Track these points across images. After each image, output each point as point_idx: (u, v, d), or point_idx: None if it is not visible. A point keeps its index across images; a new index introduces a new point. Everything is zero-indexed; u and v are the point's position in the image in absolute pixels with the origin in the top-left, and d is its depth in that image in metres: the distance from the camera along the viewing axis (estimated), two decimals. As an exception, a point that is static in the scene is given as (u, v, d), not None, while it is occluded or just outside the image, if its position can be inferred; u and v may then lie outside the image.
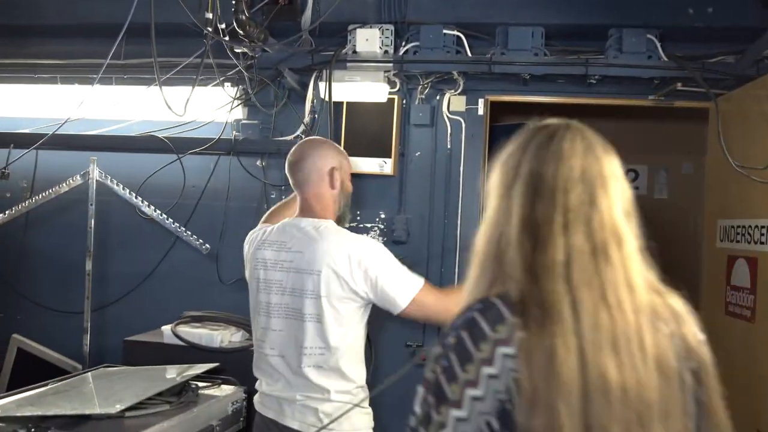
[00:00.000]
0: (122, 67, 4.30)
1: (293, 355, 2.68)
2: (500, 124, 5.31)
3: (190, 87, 4.13)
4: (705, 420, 1.25)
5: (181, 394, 2.95)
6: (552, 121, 1.48)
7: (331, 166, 2.77)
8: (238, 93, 4.21)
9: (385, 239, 4.29)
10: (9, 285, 4.63)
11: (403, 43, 3.96)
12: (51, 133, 3.66)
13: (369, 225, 4.31)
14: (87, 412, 2.57)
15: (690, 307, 1.42)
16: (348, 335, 2.66)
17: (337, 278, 2.60)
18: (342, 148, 2.94)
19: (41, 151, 4.56)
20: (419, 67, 3.96)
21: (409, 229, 4.26)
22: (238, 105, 4.22)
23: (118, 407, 2.58)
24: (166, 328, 3.60)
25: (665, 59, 3.71)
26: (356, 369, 2.71)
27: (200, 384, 3.17)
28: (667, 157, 6.12)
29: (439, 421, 1.19)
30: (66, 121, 3.49)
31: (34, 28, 4.47)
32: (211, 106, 4.23)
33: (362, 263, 2.60)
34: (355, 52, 3.90)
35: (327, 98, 3.89)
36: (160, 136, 4.31)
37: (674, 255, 5.80)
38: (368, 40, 3.81)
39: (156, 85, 3.92)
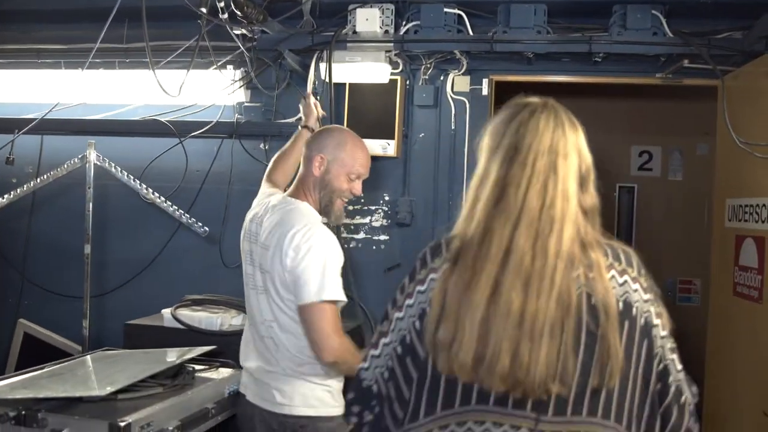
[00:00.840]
0: (125, 50, 4.27)
1: (255, 330, 2.77)
2: (500, 106, 5.25)
3: (194, 70, 4.15)
4: (597, 345, 1.52)
5: (177, 377, 2.94)
6: (533, 99, 1.74)
7: (320, 153, 2.75)
8: (240, 76, 4.16)
9: (389, 222, 4.26)
10: (16, 270, 4.65)
11: (404, 23, 3.90)
12: (39, 117, 3.65)
13: (373, 207, 4.28)
14: (77, 394, 2.56)
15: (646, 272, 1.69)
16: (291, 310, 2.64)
17: (279, 253, 2.60)
18: (358, 149, 2.84)
19: (47, 136, 4.61)
20: (420, 46, 3.91)
21: (414, 212, 4.22)
22: (239, 88, 4.18)
23: (109, 389, 2.57)
24: (166, 312, 3.58)
25: (671, 36, 3.63)
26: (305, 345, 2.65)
27: (197, 367, 3.16)
28: (682, 138, 6.02)
29: (389, 318, 1.69)
30: (55, 106, 3.54)
31: (37, 14, 4.45)
32: (214, 90, 4.19)
33: (300, 244, 2.56)
34: (355, 32, 3.85)
35: (329, 80, 3.84)
36: (162, 119, 4.28)
37: (689, 237, 5.82)
38: (368, 19, 3.76)
39: (157, 68, 3.97)
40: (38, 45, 4.46)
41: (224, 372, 3.19)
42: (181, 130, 4.24)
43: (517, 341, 1.48)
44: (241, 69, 4.16)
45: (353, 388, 1.74)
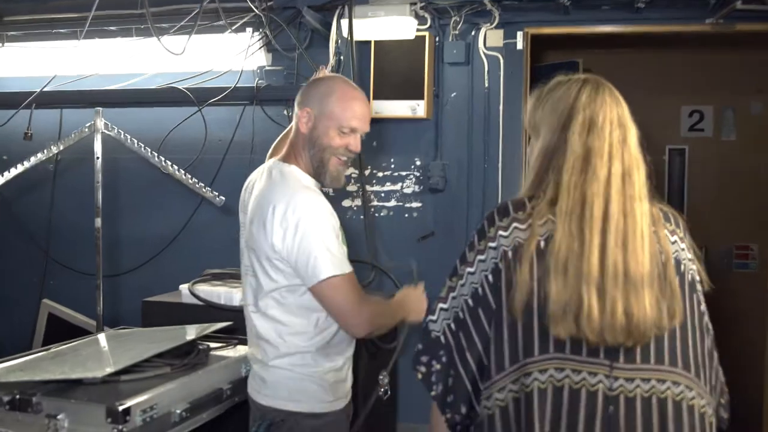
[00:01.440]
0: (139, 17, 4.08)
1: (247, 312, 2.51)
2: (543, 65, 4.97)
3: (210, 34, 3.96)
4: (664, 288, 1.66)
5: (188, 356, 2.74)
6: (583, 75, 1.86)
7: (306, 107, 2.40)
8: (259, 38, 3.95)
9: (421, 188, 4.02)
10: (41, 248, 4.52)
11: (430, -29, 3.65)
12: (38, 90, 3.46)
13: (404, 173, 4.05)
14: (74, 376, 2.37)
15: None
16: (287, 300, 2.38)
17: (263, 230, 2.31)
18: (349, 98, 2.43)
19: (67, 111, 4.46)
20: (446, -4, 3.64)
21: (447, 176, 3.98)
22: (258, 50, 3.97)
23: (108, 370, 2.37)
24: (184, 287, 3.40)
25: (722, -27, 3.32)
26: (305, 340, 2.40)
27: (214, 345, 2.96)
28: (734, 96, 5.65)
29: (459, 273, 1.75)
30: (53, 78, 3.33)
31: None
32: (232, 54, 3.99)
33: (285, 219, 2.26)
34: (377, -16, 3.60)
35: (350, 37, 3.60)
36: (179, 87, 4.09)
37: (744, 201, 5.48)
38: (390, -30, 3.51)
39: (170, 33, 3.79)
40: (52, 15, 4.29)
41: (242, 349, 2.98)
42: (199, 97, 4.03)
43: (626, 296, 1.61)
44: (260, 31, 3.94)
45: (422, 339, 1.80)
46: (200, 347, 2.86)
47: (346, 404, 2.54)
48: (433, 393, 1.77)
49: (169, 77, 4.18)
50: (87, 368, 2.48)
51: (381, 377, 3.54)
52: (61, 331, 4.17)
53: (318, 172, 2.44)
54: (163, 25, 3.99)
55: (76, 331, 4.06)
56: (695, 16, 3.67)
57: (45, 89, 4.20)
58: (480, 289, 1.72)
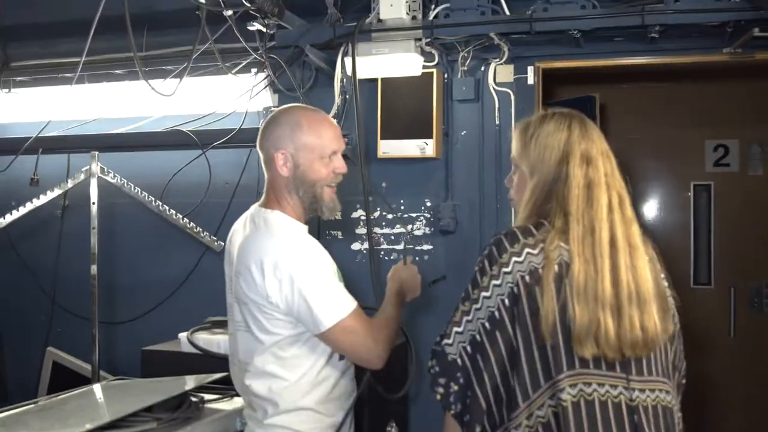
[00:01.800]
0: (144, 59, 4.02)
1: (235, 370, 2.41)
2: (558, 101, 4.85)
3: (216, 76, 3.89)
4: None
5: (178, 409, 2.61)
6: (564, 110, 2.01)
7: (277, 149, 2.28)
8: (263, 78, 3.87)
9: (432, 229, 3.88)
10: (46, 294, 4.45)
11: (433, 6, 3.54)
12: (35, 135, 3.38)
13: (414, 214, 3.92)
14: (52, 432, 2.27)
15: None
16: (285, 352, 2.26)
17: (254, 282, 2.19)
18: (319, 122, 2.34)
19: (74, 156, 4.40)
20: (451, 31, 3.53)
21: (458, 217, 3.84)
22: (263, 90, 3.88)
23: (88, 427, 2.25)
24: (183, 336, 3.28)
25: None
26: (302, 395, 2.28)
27: (210, 397, 2.84)
28: (761, 130, 5.47)
29: (473, 297, 1.86)
30: (52, 123, 3.24)
31: (56, 26, 4.25)
32: (236, 96, 3.91)
33: (278, 270, 2.15)
34: (380, 20, 3.50)
35: (353, 75, 3.50)
36: (184, 130, 4.01)
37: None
38: (393, 5, 3.40)
39: (172, 76, 3.73)
40: (58, 59, 4.25)
41: (239, 401, 2.84)
42: (203, 140, 3.95)
43: (641, 313, 1.78)
44: (264, 72, 3.87)
45: (438, 362, 1.90)
46: (193, 399, 2.74)
47: None
48: (452, 412, 1.89)
49: (174, 120, 4.11)
50: (67, 425, 2.37)
51: (389, 428, 3.39)
52: (65, 380, 4.09)
53: (313, 209, 2.36)
54: (169, 67, 3.94)
55: (79, 380, 3.98)
56: (712, 46, 3.52)
57: (48, 134, 4.16)
58: (497, 313, 1.82)
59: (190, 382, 2.81)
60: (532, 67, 3.75)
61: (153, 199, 3.53)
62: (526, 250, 1.83)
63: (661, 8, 3.22)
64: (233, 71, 3.77)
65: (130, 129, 4.16)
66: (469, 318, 1.87)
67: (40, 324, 4.47)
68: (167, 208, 3.56)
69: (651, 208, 5.70)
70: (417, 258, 3.89)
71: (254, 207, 2.42)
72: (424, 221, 3.90)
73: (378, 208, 3.96)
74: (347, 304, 2.21)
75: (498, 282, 1.83)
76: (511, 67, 3.77)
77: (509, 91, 3.77)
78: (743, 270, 5.45)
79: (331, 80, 3.79)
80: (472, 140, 3.83)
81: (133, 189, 3.50)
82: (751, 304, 5.45)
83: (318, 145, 2.29)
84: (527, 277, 1.79)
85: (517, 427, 1.79)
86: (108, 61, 4.11)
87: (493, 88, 3.78)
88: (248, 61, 3.77)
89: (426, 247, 3.89)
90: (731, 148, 5.60)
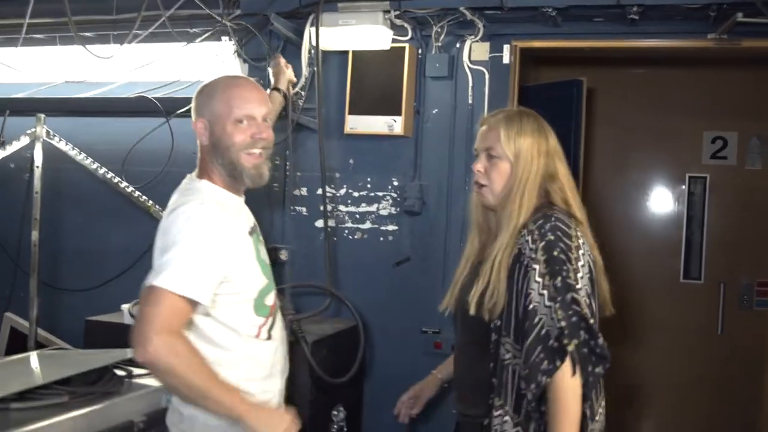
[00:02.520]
0: (112, 23, 3.91)
1: None
2: (544, 83, 4.69)
3: (182, 42, 3.78)
4: None
5: (99, 383, 2.51)
6: (526, 110, 2.31)
7: (198, 117, 2.22)
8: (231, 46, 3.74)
9: (398, 210, 3.76)
10: (11, 259, 4.37)
11: (402, -23, 3.40)
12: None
13: (380, 194, 3.79)
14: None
15: None
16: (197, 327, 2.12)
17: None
18: (232, 87, 2.23)
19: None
20: (419, 3, 3.40)
21: (425, 198, 3.71)
22: (232, 59, 3.75)
23: (-8, 396, 2.16)
24: (125, 307, 3.19)
25: (717, -20, 3.01)
26: (224, 372, 2.09)
27: (139, 371, 2.73)
28: (760, 123, 5.28)
29: (574, 268, 2.02)
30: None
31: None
32: (204, 64, 3.78)
33: (164, 239, 2.04)
34: (347, -10, 3.37)
35: (316, 45, 3.37)
36: (149, 96, 3.90)
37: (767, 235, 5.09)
38: (360, -26, 3.27)
39: (136, 41, 3.61)
40: (26, 20, 4.14)
41: (169, 377, 2.75)
42: (168, 107, 3.84)
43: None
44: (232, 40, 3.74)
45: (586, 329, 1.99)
46: (119, 373, 2.64)
47: None
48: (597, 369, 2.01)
49: (142, 87, 4.01)
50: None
51: (335, 413, 3.28)
52: (21, 346, 4.01)
53: (235, 177, 2.22)
54: (138, 32, 3.82)
55: (37, 347, 3.90)
56: (696, 31, 3.36)
57: (16, 95, 4.08)
58: (591, 275, 2.09)
59: (118, 355, 2.71)
60: (509, 45, 3.59)
61: (99, 165, 3.41)
62: (579, 232, 2.09)
63: (638, -14, 3.05)
64: (200, 39, 3.64)
65: (96, 94, 4.05)
66: (579, 286, 2.01)
67: (3, 288, 4.39)
68: (113, 176, 3.44)
69: (644, 200, 5.54)
70: (381, 238, 3.77)
71: (187, 176, 2.31)
72: (390, 201, 3.77)
73: (344, 186, 3.83)
74: (184, 285, 1.96)
75: (582, 256, 2.05)
76: (486, 45, 3.62)
77: (484, 69, 3.63)
78: (735, 266, 5.30)
79: (299, 50, 3.65)
80: (443, 119, 3.70)
81: (78, 155, 3.38)
82: (741, 301, 5.29)
83: (230, 109, 2.18)
84: (590, 252, 2.11)
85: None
86: (80, 23, 3.99)
87: (468, 66, 3.64)
88: (214, 29, 3.64)
89: (391, 227, 3.77)
90: (730, 140, 5.42)
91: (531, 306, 1.98)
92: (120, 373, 2.67)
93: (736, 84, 5.19)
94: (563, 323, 1.93)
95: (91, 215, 4.20)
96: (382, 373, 3.76)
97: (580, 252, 2.02)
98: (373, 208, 3.79)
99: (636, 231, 5.49)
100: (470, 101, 3.65)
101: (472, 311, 2.11)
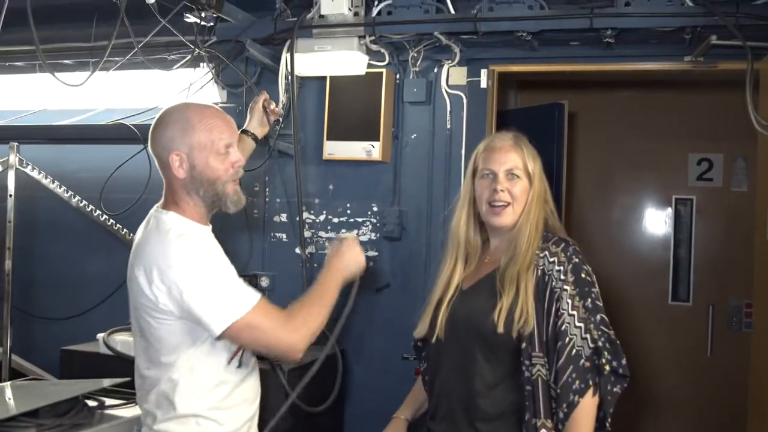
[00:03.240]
0: (89, 50, 3.89)
1: (136, 376, 2.24)
2: (527, 107, 4.69)
3: (160, 70, 3.76)
4: None
5: (68, 414, 2.47)
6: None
7: (171, 151, 2.14)
8: (207, 72, 3.73)
9: (378, 235, 3.73)
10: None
11: (376, 3, 3.38)
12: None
13: (360, 219, 3.77)
14: None
15: None
16: (178, 357, 2.11)
17: (141, 288, 2.06)
18: (207, 116, 2.17)
19: (24, 146, 4.29)
20: (393, 29, 3.38)
21: (404, 224, 3.69)
22: (207, 86, 3.75)
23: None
24: (101, 336, 3.15)
25: (690, 4, 2.99)
26: (193, 401, 2.14)
27: (113, 402, 2.70)
28: (746, 144, 5.24)
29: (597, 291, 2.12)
30: None
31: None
32: (178, 91, 3.78)
33: (164, 276, 2.02)
34: (321, 16, 3.35)
35: (291, 71, 3.36)
36: (127, 123, 3.88)
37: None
38: (334, 0, 3.26)
39: (115, 69, 3.60)
40: (6, 47, 4.13)
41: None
42: (144, 134, 3.79)
43: None
44: (210, 66, 3.73)
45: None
46: (91, 404, 2.61)
47: None
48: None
49: (120, 114, 3.99)
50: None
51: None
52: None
53: (217, 206, 2.21)
54: (116, 59, 3.81)
55: (15, 375, 3.86)
56: (672, 53, 3.36)
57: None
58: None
59: (89, 385, 2.68)
60: (486, 70, 3.59)
61: (71, 192, 3.39)
62: None
63: (610, 11, 3.04)
64: (177, 66, 3.63)
65: (74, 121, 4.04)
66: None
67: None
68: (86, 204, 3.42)
69: (630, 223, 5.51)
70: (363, 264, 3.75)
71: (154, 208, 2.28)
72: (370, 226, 3.75)
73: (323, 211, 3.81)
74: (242, 302, 2.04)
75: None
76: (464, 70, 3.62)
77: (462, 94, 3.62)
78: (723, 287, 5.26)
79: (276, 77, 3.64)
80: (422, 144, 3.69)
81: (52, 183, 3.36)
82: (730, 323, 5.25)
83: (210, 141, 2.14)
84: None
85: None
86: (58, 50, 3.99)
87: (446, 91, 3.64)
88: (191, 56, 3.62)
89: (371, 253, 3.73)
90: (715, 162, 5.41)
91: (563, 327, 2.03)
92: (92, 403, 2.64)
93: (720, 105, 5.15)
94: (599, 343, 2.02)
95: (69, 243, 4.17)
96: (363, 401, 3.72)
97: (594, 277, 2.09)
98: (353, 233, 3.77)
99: (623, 254, 5.44)
100: (449, 126, 3.63)
101: (500, 330, 2.10)
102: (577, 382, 2.00)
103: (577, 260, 2.12)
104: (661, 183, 5.43)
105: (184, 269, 2.03)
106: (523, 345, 2.07)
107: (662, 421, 5.23)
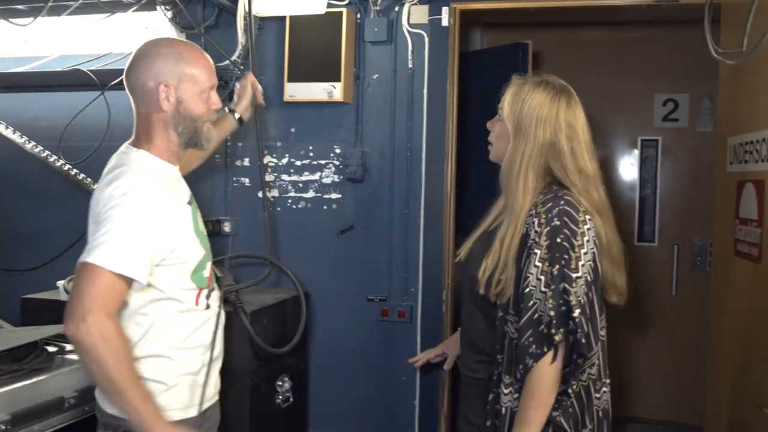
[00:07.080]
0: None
1: None
2: (490, 48, 4.65)
3: (116, 14, 3.68)
4: None
5: (26, 359, 2.45)
6: (553, 80, 2.17)
7: (160, 81, 2.08)
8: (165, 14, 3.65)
9: (341, 177, 3.71)
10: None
11: (332, -63, 3.32)
12: None
13: (323, 162, 3.74)
14: None
15: None
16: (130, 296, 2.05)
17: (90, 227, 2.03)
18: (198, 53, 2.17)
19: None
20: (351, -35, 3.32)
21: (367, 165, 3.66)
22: (166, 29, 3.67)
23: None
24: (61, 283, 3.12)
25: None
26: (152, 341, 2.11)
27: (70, 347, 2.67)
28: (711, 83, 5.26)
29: (575, 256, 1.96)
30: None
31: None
32: (138, 33, 3.70)
33: (99, 212, 1.97)
34: (278, -47, 3.29)
35: (249, 12, 3.29)
36: (84, 69, 3.80)
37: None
38: (291, -64, 3.19)
39: (67, 13, 3.51)
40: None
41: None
42: (102, 79, 3.74)
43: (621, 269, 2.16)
44: (165, 8, 3.65)
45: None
46: (50, 350, 2.58)
47: (205, 410, 2.24)
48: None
49: (75, 60, 3.89)
50: None
51: (279, 383, 3.24)
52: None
53: (192, 143, 2.18)
54: (70, 2, 3.72)
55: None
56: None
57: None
58: (594, 265, 2.01)
59: (49, 330, 2.65)
60: (448, 8, 3.54)
61: (32, 143, 3.32)
62: (588, 216, 2.03)
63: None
64: (133, 8, 3.54)
65: (29, 68, 3.95)
66: (578, 274, 1.96)
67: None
68: (48, 154, 3.35)
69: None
70: (325, 207, 3.72)
71: (124, 145, 2.22)
72: (333, 168, 3.72)
73: (286, 155, 3.78)
74: (121, 263, 1.90)
75: (588, 238, 2.00)
76: (425, 8, 3.57)
77: (423, 33, 3.58)
78: (688, 227, 5.31)
79: (234, 18, 3.57)
80: (384, 85, 3.65)
81: (13, 134, 3.29)
82: (694, 262, 5.30)
83: (200, 78, 2.13)
84: (595, 240, 2.03)
85: (591, 366, 2.01)
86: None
87: (407, 30, 3.59)
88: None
89: (334, 195, 3.72)
90: (681, 102, 5.41)
91: (527, 289, 1.97)
92: (51, 349, 2.62)
93: (686, 45, 5.09)
94: (552, 312, 1.93)
95: (28, 194, 4.11)
96: (329, 342, 3.73)
97: (585, 239, 1.97)
98: (316, 176, 3.74)
99: (589, 195, 5.45)
100: (410, 66, 3.60)
101: (481, 291, 2.08)
102: (534, 346, 1.94)
103: (558, 222, 1.96)
104: (627, 124, 5.43)
105: (122, 201, 1.96)
106: (500, 303, 2.06)
107: (630, 361, 5.30)
